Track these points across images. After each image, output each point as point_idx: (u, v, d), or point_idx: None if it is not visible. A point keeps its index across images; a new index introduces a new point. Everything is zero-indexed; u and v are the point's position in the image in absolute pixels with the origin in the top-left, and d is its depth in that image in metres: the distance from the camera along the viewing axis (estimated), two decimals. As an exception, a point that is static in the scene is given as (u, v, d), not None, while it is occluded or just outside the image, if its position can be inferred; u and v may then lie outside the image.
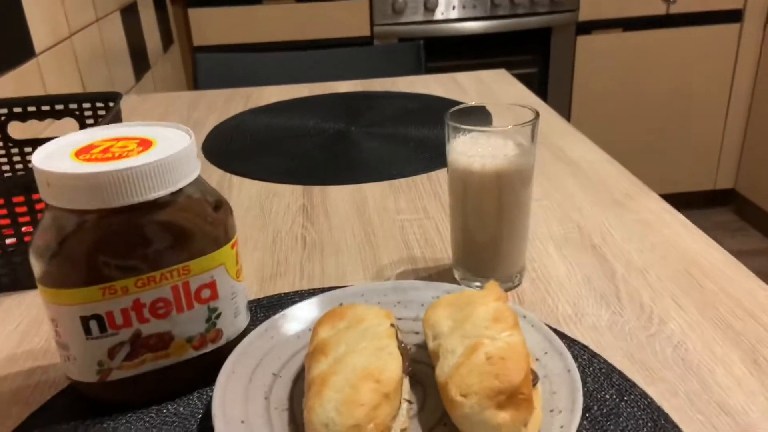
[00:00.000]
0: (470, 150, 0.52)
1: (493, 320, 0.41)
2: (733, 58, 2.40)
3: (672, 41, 2.36)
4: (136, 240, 0.40)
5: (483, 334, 0.40)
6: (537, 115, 0.52)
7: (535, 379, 0.40)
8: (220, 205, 0.44)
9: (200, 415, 0.44)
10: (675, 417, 0.41)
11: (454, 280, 0.58)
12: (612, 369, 0.45)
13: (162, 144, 0.42)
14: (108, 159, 0.39)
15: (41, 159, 0.40)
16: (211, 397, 0.45)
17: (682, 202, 2.61)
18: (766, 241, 2.47)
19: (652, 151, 2.53)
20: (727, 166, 2.59)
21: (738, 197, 2.61)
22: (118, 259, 0.40)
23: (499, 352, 0.39)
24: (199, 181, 0.43)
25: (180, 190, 0.41)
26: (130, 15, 1.70)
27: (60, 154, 0.40)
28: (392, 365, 0.39)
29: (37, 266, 0.40)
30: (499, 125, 0.54)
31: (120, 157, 0.40)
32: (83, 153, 0.40)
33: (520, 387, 0.37)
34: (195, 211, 0.43)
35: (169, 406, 0.45)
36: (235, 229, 0.45)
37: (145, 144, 0.41)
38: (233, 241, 0.45)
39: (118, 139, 0.42)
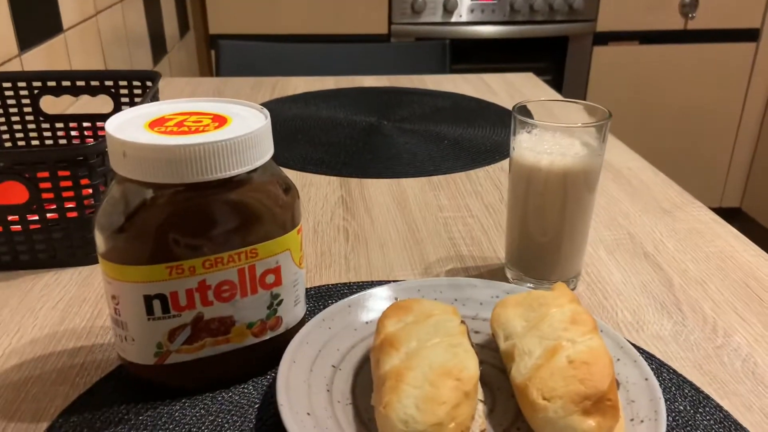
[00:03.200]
0: (537, 146, 0.51)
1: (571, 322, 0.40)
2: (747, 77, 2.40)
3: (688, 57, 2.36)
4: (207, 219, 0.39)
5: (562, 336, 0.39)
6: (609, 114, 0.50)
7: (617, 385, 0.38)
8: (289, 188, 0.43)
9: (257, 405, 0.42)
10: (753, 432, 0.40)
11: (505, 280, 0.56)
12: (683, 380, 0.44)
13: (237, 121, 0.40)
14: (184, 132, 0.38)
15: (115, 128, 0.38)
16: (267, 386, 0.44)
17: (688, 218, 2.61)
18: (770, 262, 2.47)
19: (660, 164, 2.51)
20: (735, 185, 2.59)
21: (744, 217, 2.62)
22: (188, 237, 0.38)
23: (582, 356, 0.37)
24: (270, 163, 0.42)
25: (254, 171, 0.39)
26: (151, -2, 1.68)
27: (134, 125, 0.39)
28: (470, 363, 0.38)
29: (101, 240, 0.39)
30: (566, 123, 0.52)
31: (196, 131, 0.38)
32: (157, 125, 0.39)
33: (607, 393, 0.36)
34: (267, 193, 0.41)
35: (224, 394, 0.43)
36: (300, 214, 0.44)
37: (220, 120, 0.40)
38: (299, 226, 0.43)
39: (191, 114, 0.41)
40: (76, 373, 0.45)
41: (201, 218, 0.39)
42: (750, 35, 2.33)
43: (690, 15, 2.29)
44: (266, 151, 0.40)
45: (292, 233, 0.42)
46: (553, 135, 0.52)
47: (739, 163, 2.55)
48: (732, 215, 2.66)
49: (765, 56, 2.36)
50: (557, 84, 2.39)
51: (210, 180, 0.37)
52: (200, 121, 0.39)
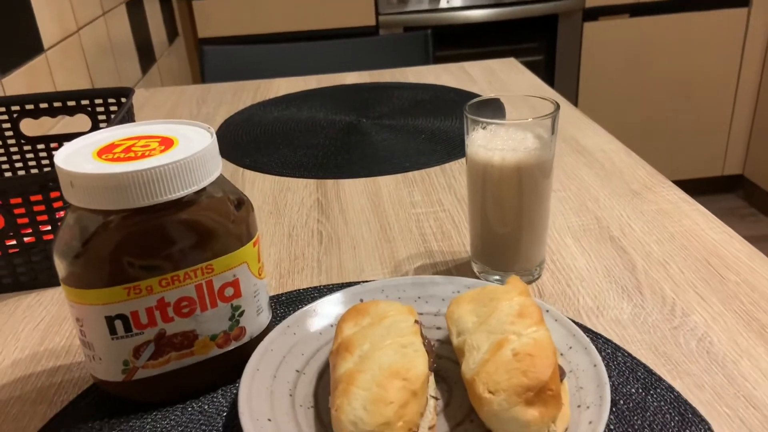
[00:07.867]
0: (490, 143, 0.52)
1: (518, 315, 0.41)
2: (740, 43, 2.38)
3: (680, 26, 2.34)
4: (160, 239, 0.40)
5: (508, 329, 0.40)
6: (557, 106, 0.51)
7: (562, 374, 0.40)
8: (242, 203, 0.44)
9: (225, 413, 0.44)
10: (702, 411, 0.41)
11: (472, 274, 0.58)
12: (637, 363, 0.45)
13: (184, 143, 0.41)
14: (131, 158, 0.39)
15: (63, 159, 0.39)
16: (235, 394, 0.45)
17: (691, 188, 2.60)
18: (775, 227, 2.46)
19: (660, 137, 2.52)
20: (736, 152, 2.57)
21: (747, 183, 2.60)
22: (142, 258, 0.40)
23: (526, 348, 0.39)
24: (221, 180, 0.43)
25: (203, 189, 0.41)
26: (135, 8, 1.69)
27: (82, 154, 0.40)
28: (418, 362, 0.39)
29: (61, 266, 0.40)
30: (517, 117, 0.53)
31: (143, 156, 0.39)
32: (105, 152, 0.40)
33: (549, 383, 0.37)
34: (218, 210, 0.42)
35: (194, 405, 0.45)
36: (256, 226, 0.45)
37: (166, 143, 0.41)
38: (255, 238, 0.45)
39: (139, 138, 0.42)
40: (54, 392, 0.47)
41: (153, 239, 0.40)
42: (741, 0, 2.31)
43: (679, -16, 2.27)
44: (213, 169, 0.41)
45: (247, 246, 0.44)
46: (506, 130, 0.53)
47: (738, 130, 2.53)
48: (735, 182, 2.65)
49: (757, 21, 2.34)
50: (550, 63, 2.38)
51: (157, 203, 0.39)
52: (147, 146, 0.41)
